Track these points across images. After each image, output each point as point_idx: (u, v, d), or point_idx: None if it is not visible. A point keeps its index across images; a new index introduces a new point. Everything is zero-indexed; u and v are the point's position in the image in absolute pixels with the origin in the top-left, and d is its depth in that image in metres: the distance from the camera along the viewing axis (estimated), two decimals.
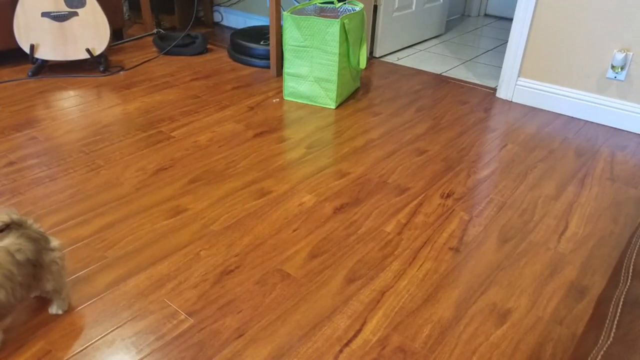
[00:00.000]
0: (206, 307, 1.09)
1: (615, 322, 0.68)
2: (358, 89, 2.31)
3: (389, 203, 1.48)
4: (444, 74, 2.55)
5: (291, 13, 2.04)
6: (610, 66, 1.96)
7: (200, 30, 3.14)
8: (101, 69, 2.37)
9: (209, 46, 2.83)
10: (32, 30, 2.22)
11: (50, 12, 2.22)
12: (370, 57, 2.73)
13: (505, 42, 3.11)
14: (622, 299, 0.72)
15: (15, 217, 0.96)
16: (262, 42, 2.54)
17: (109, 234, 1.31)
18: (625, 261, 0.83)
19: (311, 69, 2.06)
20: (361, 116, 2.04)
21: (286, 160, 1.69)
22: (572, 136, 1.94)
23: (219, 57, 2.67)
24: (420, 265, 1.24)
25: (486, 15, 3.81)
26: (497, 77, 2.52)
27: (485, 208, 1.48)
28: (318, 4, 2.23)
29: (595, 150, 1.84)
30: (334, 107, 2.10)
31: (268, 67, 2.52)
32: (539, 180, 1.63)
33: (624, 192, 1.59)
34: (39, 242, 0.99)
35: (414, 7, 2.81)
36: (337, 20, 1.94)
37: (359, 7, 2.18)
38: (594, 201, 1.53)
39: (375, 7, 2.57)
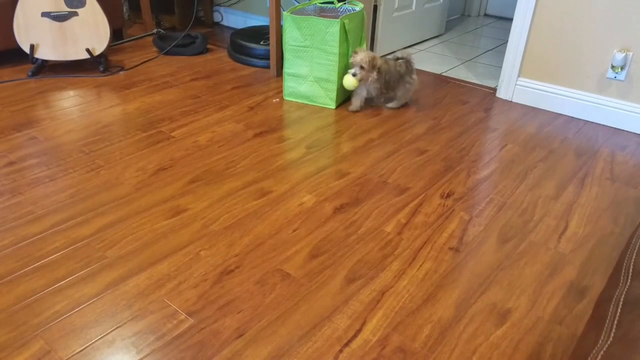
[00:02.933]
0: (206, 307, 1.09)
1: (615, 322, 0.68)
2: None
3: (389, 203, 1.48)
4: (444, 73, 2.55)
5: (291, 13, 2.04)
6: (610, 66, 1.96)
7: (200, 30, 3.14)
8: (101, 68, 2.37)
9: (208, 46, 2.83)
10: (32, 30, 2.22)
11: (50, 12, 2.22)
12: None
13: (505, 42, 3.11)
14: (622, 299, 0.72)
15: None
16: (262, 42, 2.54)
17: (109, 234, 1.31)
18: (625, 261, 0.83)
19: (311, 69, 2.06)
20: (361, 116, 2.04)
21: (286, 160, 1.69)
22: (572, 136, 1.93)
23: (219, 57, 2.67)
24: (420, 265, 1.24)
25: (486, 15, 3.81)
26: (497, 77, 2.52)
27: (485, 208, 1.48)
28: (318, 4, 2.23)
29: (595, 150, 1.83)
30: (334, 107, 2.10)
31: (268, 67, 2.52)
32: (539, 180, 1.63)
33: (623, 192, 1.58)
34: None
35: (413, 7, 2.81)
36: (337, 20, 1.94)
37: (359, 7, 2.18)
38: (594, 201, 1.53)
39: (375, 7, 2.57)
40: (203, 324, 1.05)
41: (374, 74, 1.98)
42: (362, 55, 1.95)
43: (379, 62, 2.00)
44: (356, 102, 2.07)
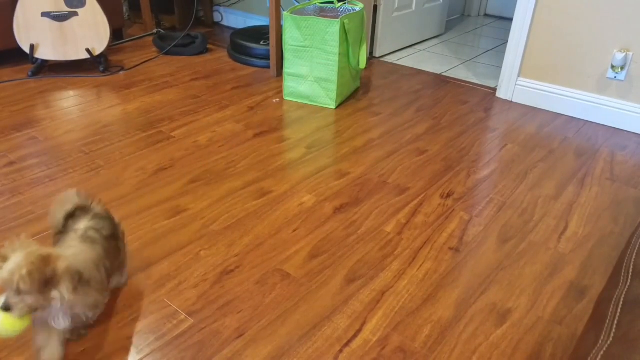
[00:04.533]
0: (206, 307, 1.09)
1: (615, 322, 0.68)
2: (358, 89, 2.31)
3: (389, 203, 1.48)
4: (444, 74, 2.55)
5: (291, 13, 2.04)
6: (610, 66, 1.96)
7: (200, 30, 3.14)
8: (101, 69, 2.37)
9: (208, 46, 2.83)
10: (32, 30, 2.22)
11: (50, 12, 2.22)
12: (370, 57, 2.73)
13: (505, 42, 3.11)
14: (622, 299, 0.72)
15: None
16: (262, 42, 2.54)
17: None
18: (625, 261, 0.83)
19: (311, 69, 2.06)
20: (361, 116, 2.04)
21: (286, 160, 1.69)
22: (572, 136, 1.93)
23: (219, 57, 2.67)
24: (420, 265, 1.24)
25: (486, 15, 3.81)
26: (497, 77, 2.52)
27: (485, 208, 1.48)
28: (318, 4, 2.23)
29: (595, 150, 1.84)
30: (334, 107, 2.10)
31: (268, 67, 2.52)
32: (539, 180, 1.63)
33: (624, 192, 1.59)
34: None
35: (413, 7, 2.81)
36: (337, 20, 1.94)
37: (359, 7, 2.18)
38: (594, 201, 1.53)
39: (375, 7, 2.57)
40: (203, 324, 1.05)
41: (65, 290, 0.85)
42: (11, 265, 0.81)
43: (81, 262, 0.92)
44: (52, 350, 0.91)
